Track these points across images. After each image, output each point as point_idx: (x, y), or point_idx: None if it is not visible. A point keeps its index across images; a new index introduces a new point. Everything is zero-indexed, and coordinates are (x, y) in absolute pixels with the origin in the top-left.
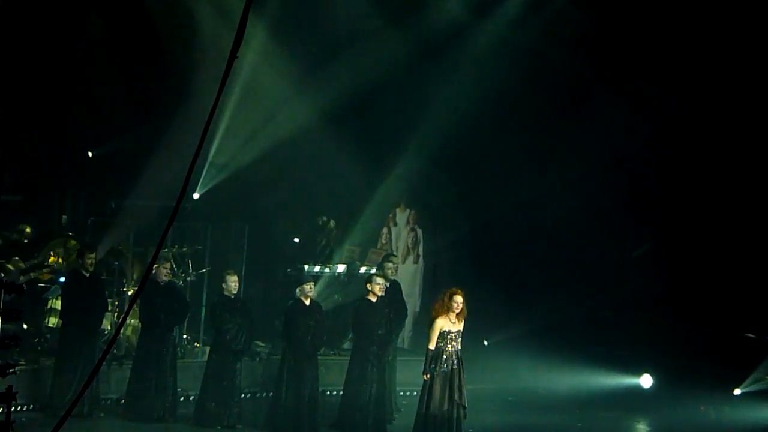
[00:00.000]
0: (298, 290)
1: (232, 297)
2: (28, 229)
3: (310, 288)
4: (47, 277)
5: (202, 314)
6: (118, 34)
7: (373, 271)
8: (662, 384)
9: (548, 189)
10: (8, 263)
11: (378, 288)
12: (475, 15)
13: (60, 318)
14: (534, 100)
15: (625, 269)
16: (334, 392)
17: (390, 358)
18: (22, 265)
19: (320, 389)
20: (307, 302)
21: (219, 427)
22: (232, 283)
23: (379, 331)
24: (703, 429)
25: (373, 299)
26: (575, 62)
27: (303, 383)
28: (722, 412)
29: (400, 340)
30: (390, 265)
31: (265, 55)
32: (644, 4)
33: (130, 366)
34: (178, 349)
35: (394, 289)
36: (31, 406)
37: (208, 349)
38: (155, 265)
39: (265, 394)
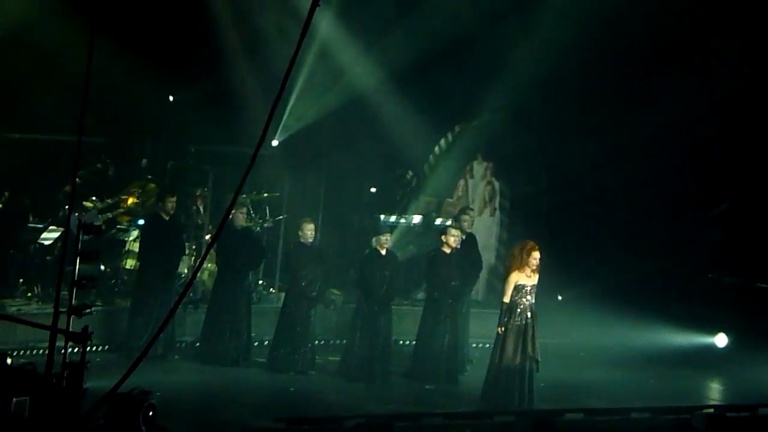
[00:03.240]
0: (374, 240)
1: (308, 244)
2: (110, 169)
3: (387, 239)
4: (126, 219)
5: (278, 260)
6: None
7: (449, 222)
8: (737, 344)
9: (627, 146)
10: (86, 201)
11: (453, 240)
12: None
13: (138, 260)
14: (616, 58)
15: (703, 227)
16: (407, 342)
17: (464, 309)
18: (99, 205)
19: (393, 338)
20: (383, 252)
21: (292, 373)
22: (309, 230)
23: (453, 283)
24: None
25: (448, 251)
26: (657, 21)
27: (376, 332)
28: None
29: (474, 292)
30: (466, 217)
31: (344, 4)
32: None
33: (206, 309)
34: (254, 294)
35: (469, 242)
36: (107, 346)
37: (283, 295)
38: (232, 211)
39: (338, 341)
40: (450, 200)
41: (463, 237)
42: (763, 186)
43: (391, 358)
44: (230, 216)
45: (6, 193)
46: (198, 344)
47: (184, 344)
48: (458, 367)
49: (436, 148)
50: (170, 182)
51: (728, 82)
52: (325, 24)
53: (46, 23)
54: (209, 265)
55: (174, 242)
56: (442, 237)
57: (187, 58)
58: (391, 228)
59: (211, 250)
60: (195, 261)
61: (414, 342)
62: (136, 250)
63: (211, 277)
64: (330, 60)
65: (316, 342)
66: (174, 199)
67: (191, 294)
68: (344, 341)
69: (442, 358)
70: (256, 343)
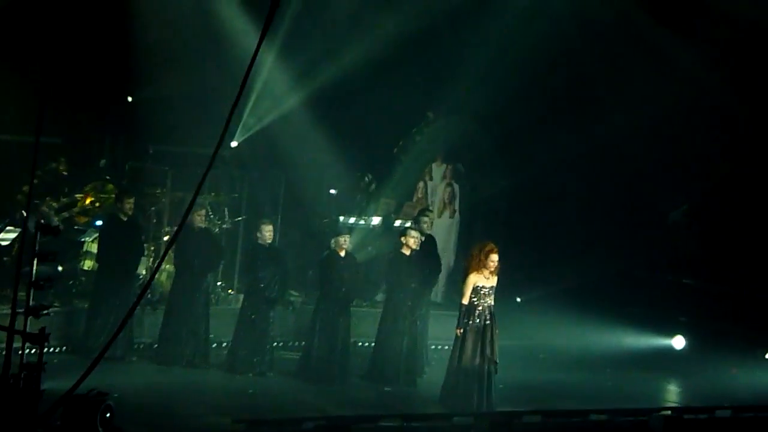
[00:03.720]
0: (333, 242)
1: (267, 246)
2: (62, 167)
3: (345, 240)
4: (83, 219)
5: (237, 262)
6: None
7: (408, 224)
8: (694, 346)
9: (585, 150)
10: (42, 205)
11: (412, 241)
12: None
13: (96, 261)
14: (573, 61)
15: (661, 231)
16: (366, 344)
17: (423, 311)
18: (54, 204)
19: (352, 340)
20: (342, 254)
21: (250, 375)
22: (267, 232)
23: (412, 285)
24: (734, 392)
25: (407, 252)
26: (613, 26)
27: (335, 334)
28: (753, 376)
29: (433, 294)
30: (425, 219)
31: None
32: None
33: (164, 311)
34: (212, 295)
35: (429, 244)
36: (64, 348)
37: (241, 296)
38: (195, 212)
39: (297, 343)
40: (409, 202)
41: (422, 239)
42: (721, 189)
43: (350, 360)
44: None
45: None
46: (156, 346)
47: (142, 346)
48: (417, 369)
49: (395, 150)
50: (129, 183)
51: (686, 87)
52: (284, 25)
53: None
54: (167, 266)
55: (132, 243)
56: (402, 239)
57: (147, 58)
58: (351, 229)
59: (170, 251)
60: (153, 262)
61: (373, 344)
62: (94, 251)
63: (169, 278)
64: (289, 62)
65: (275, 343)
66: (132, 200)
67: (149, 295)
68: (303, 343)
69: (401, 360)
70: (214, 345)
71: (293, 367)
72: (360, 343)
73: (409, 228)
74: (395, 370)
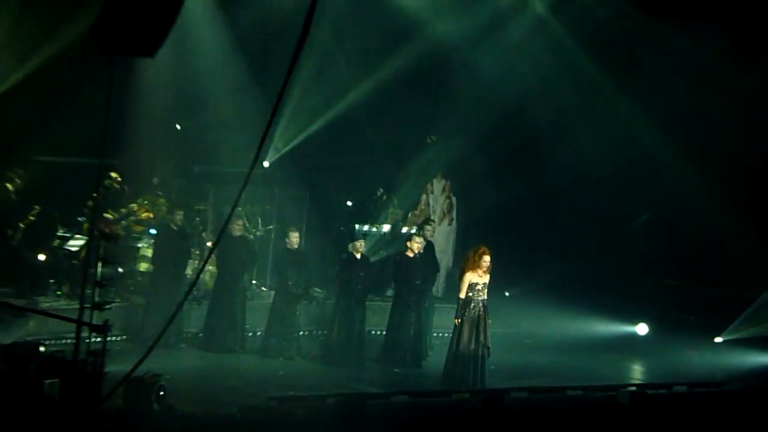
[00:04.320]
0: (350, 246)
1: (294, 250)
2: (118, 178)
3: (361, 244)
4: (139, 228)
5: (268, 263)
6: None
7: (413, 231)
8: (655, 332)
9: (564, 169)
10: (105, 216)
11: (417, 246)
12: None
13: (151, 263)
14: (552, 97)
15: (626, 236)
16: (379, 332)
17: (426, 305)
18: (114, 215)
19: (367, 329)
20: (358, 256)
21: (281, 359)
22: (294, 238)
23: (417, 282)
24: (688, 370)
25: (411, 255)
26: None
27: (352, 324)
28: (704, 357)
29: (435, 290)
30: (429, 227)
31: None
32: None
33: (208, 305)
34: (248, 292)
35: (429, 248)
36: (123, 336)
37: (273, 293)
38: (233, 221)
39: (320, 332)
40: (414, 212)
41: (425, 244)
42: (676, 202)
43: (365, 346)
44: (228, 226)
45: (37, 207)
46: (201, 334)
47: (189, 334)
48: (422, 354)
49: (403, 168)
50: (177, 197)
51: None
52: (307, 65)
53: (69, 58)
54: (210, 267)
55: (181, 248)
56: (408, 243)
57: (192, 92)
58: (365, 235)
59: (212, 255)
60: (198, 264)
61: (384, 332)
62: (149, 255)
63: (212, 277)
64: (312, 95)
65: (301, 333)
66: (181, 212)
67: (195, 292)
68: (325, 332)
69: (409, 346)
70: (250, 334)
71: (317, 352)
72: (374, 332)
73: (414, 234)
74: (403, 355)
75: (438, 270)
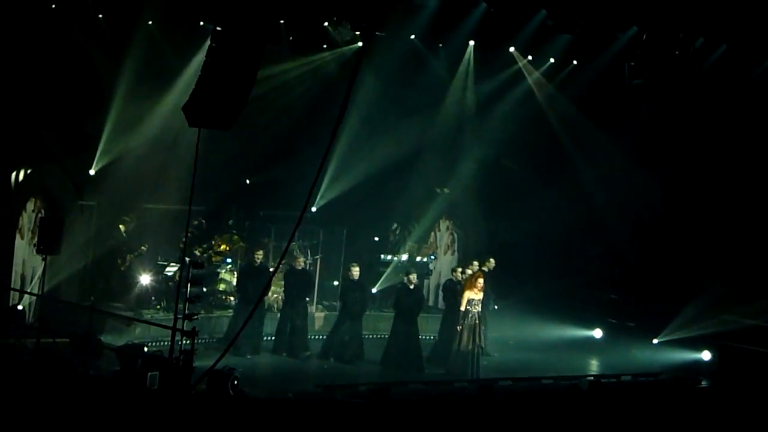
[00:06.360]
0: (405, 277)
1: (354, 279)
2: (203, 220)
3: (414, 277)
4: (218, 258)
5: (315, 286)
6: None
7: (412, 268)
8: (608, 335)
9: (538, 214)
10: (193, 249)
11: (412, 278)
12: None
13: (236, 291)
14: (533, 160)
15: (586, 262)
16: (430, 337)
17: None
18: (200, 249)
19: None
20: (411, 286)
21: (331, 360)
22: (355, 271)
23: (411, 303)
24: (633, 365)
25: (411, 286)
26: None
27: (409, 337)
28: (645, 354)
29: (432, 302)
30: (413, 276)
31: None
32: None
33: (278, 317)
34: (309, 309)
35: (420, 284)
36: (206, 339)
37: (317, 312)
38: (296, 258)
39: (377, 336)
40: (425, 245)
41: (416, 281)
42: (625, 237)
43: (421, 354)
44: (285, 259)
45: (146, 245)
46: (273, 338)
47: (266, 338)
48: (422, 355)
49: (417, 211)
50: (248, 234)
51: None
52: (350, 128)
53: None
54: (279, 289)
55: (258, 279)
56: (405, 277)
57: (257, 154)
58: (387, 264)
59: (282, 281)
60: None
61: (434, 338)
62: (227, 278)
63: (282, 298)
64: (349, 157)
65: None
66: (261, 252)
67: (266, 307)
68: (386, 336)
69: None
70: (311, 337)
71: (373, 357)
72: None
73: (409, 271)
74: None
75: (423, 298)
